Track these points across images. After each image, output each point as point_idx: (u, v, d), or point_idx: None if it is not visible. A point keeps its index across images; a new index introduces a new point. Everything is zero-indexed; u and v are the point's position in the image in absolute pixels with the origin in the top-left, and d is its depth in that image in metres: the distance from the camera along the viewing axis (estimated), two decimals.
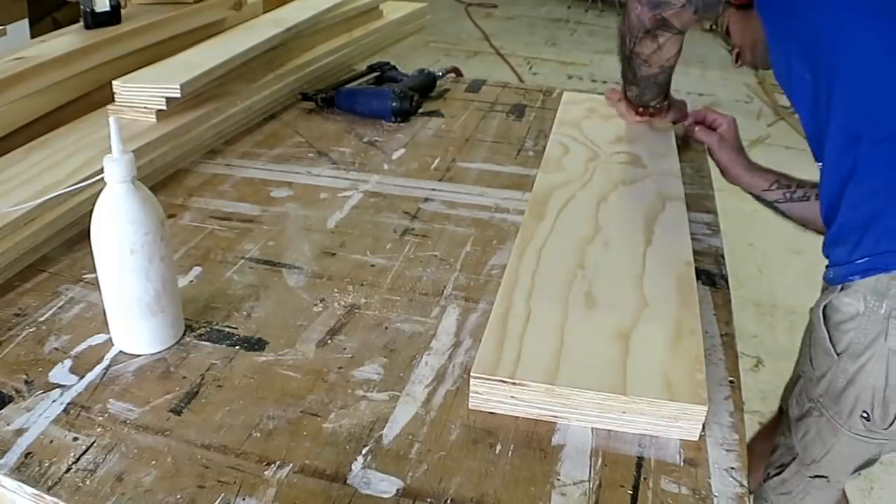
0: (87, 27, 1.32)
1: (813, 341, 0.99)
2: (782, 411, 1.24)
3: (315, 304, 0.89)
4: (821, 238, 1.00)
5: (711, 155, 1.28)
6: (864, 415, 0.95)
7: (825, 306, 0.95)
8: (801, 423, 1.02)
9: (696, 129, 1.29)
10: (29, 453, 0.67)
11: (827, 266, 0.98)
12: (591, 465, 0.68)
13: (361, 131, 1.40)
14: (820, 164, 0.99)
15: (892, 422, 0.94)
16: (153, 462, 0.66)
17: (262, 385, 0.76)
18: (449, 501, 0.64)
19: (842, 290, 0.93)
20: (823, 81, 0.94)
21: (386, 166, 1.26)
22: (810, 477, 1.05)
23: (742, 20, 1.16)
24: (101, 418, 0.71)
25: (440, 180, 1.22)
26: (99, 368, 0.78)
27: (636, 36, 1.14)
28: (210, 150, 1.29)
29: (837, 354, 0.94)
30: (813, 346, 0.99)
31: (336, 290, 0.92)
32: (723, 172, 1.25)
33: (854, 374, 0.93)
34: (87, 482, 0.64)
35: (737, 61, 1.24)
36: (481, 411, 0.73)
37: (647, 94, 1.29)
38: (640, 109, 1.34)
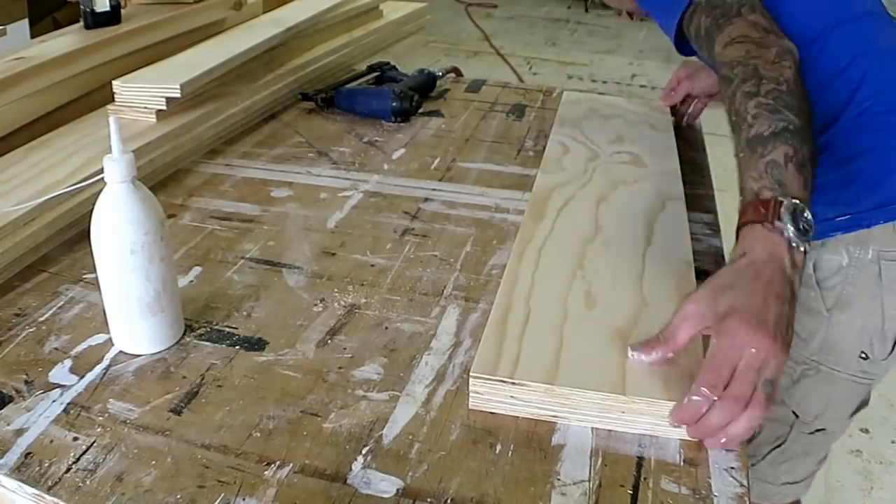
0: (87, 27, 1.32)
1: None
2: None
3: (315, 304, 0.89)
4: None
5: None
6: (863, 355, 0.97)
7: (811, 266, 0.98)
8: (796, 387, 1.03)
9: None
10: (29, 453, 0.67)
11: None
12: (591, 465, 0.68)
13: (361, 131, 1.40)
14: None
15: (892, 349, 0.96)
16: (153, 462, 0.66)
17: (262, 385, 0.76)
18: (449, 501, 0.64)
19: (822, 245, 0.96)
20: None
21: (386, 166, 1.26)
22: (810, 433, 1.07)
23: None
24: (101, 418, 0.71)
25: (440, 180, 1.22)
26: (99, 368, 0.78)
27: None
28: (210, 150, 1.29)
29: (828, 310, 0.96)
30: None
31: (336, 290, 0.92)
32: None
33: (849, 322, 0.96)
34: (87, 482, 0.64)
35: (631, 17, 1.25)
36: (481, 411, 0.73)
37: None
38: None
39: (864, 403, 1.07)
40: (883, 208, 0.94)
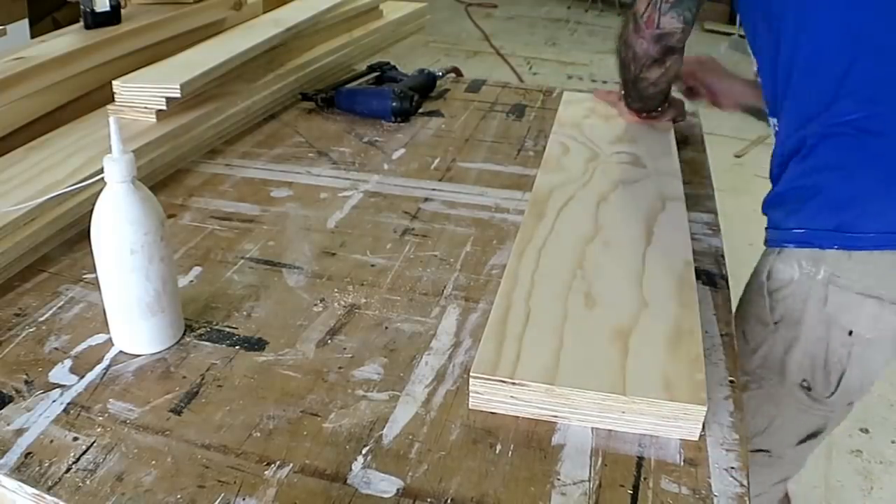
0: (87, 27, 1.32)
1: (743, 315, 0.99)
2: None
3: (315, 304, 0.89)
4: None
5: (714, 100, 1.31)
6: (805, 384, 0.94)
7: (765, 274, 0.96)
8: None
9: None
10: (29, 453, 0.67)
11: (766, 227, 0.99)
12: (591, 465, 0.68)
13: (361, 131, 1.40)
14: (774, 119, 1.02)
15: (834, 391, 0.94)
16: (153, 462, 0.66)
17: (262, 385, 0.76)
18: (449, 501, 0.64)
19: (778, 254, 0.94)
20: (784, 57, 0.94)
21: (386, 166, 1.26)
22: (752, 451, 1.04)
23: None
24: (101, 418, 0.71)
25: (440, 180, 1.22)
26: (99, 368, 0.78)
27: (643, 65, 1.11)
28: (210, 150, 1.29)
29: (774, 323, 0.94)
30: (743, 320, 1.00)
31: (336, 290, 0.92)
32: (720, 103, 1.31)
33: (792, 342, 0.93)
34: (87, 482, 0.64)
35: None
36: (481, 411, 0.73)
37: (652, 105, 1.28)
38: (643, 115, 1.33)
39: (813, 435, 1.02)
40: (840, 233, 0.88)
